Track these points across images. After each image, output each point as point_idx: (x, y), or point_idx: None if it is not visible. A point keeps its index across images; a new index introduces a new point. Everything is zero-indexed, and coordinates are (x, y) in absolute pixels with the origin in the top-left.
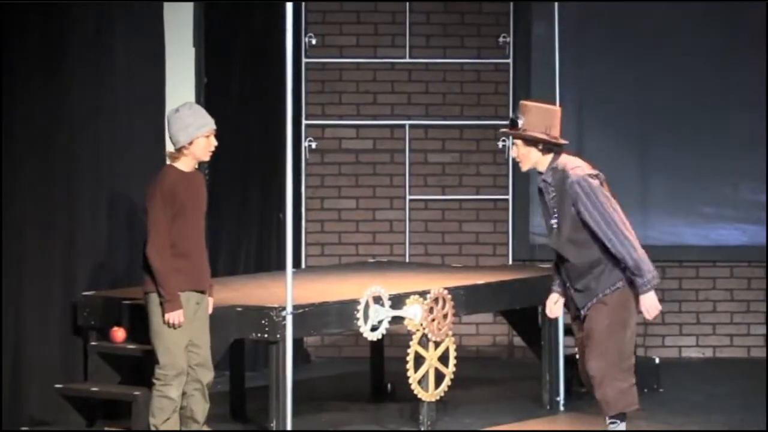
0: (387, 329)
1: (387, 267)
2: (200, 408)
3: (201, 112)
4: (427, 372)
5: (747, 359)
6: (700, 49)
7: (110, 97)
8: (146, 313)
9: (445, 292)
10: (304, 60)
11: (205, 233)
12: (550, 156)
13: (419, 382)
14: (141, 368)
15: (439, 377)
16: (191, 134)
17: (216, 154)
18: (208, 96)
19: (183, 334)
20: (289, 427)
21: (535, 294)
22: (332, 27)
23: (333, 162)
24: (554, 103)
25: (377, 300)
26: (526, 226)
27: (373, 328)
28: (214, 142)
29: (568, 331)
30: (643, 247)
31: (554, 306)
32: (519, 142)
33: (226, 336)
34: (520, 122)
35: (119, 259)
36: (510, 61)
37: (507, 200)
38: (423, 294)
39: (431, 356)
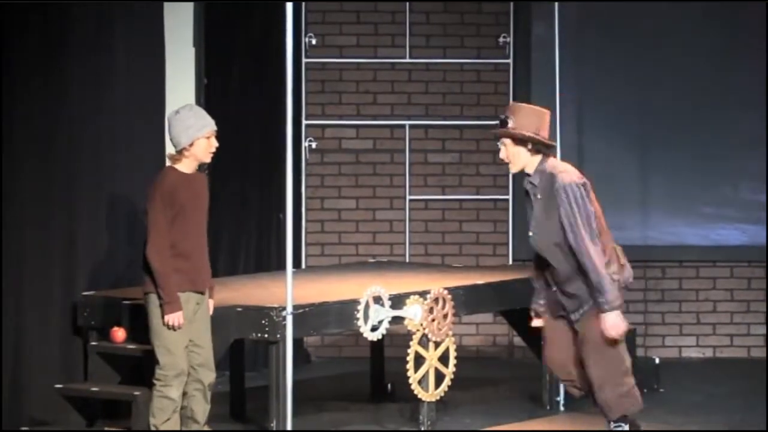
0: (387, 329)
1: (387, 267)
2: (201, 408)
3: (201, 113)
4: (427, 372)
5: (747, 359)
6: (701, 49)
7: (110, 97)
8: (146, 313)
9: (445, 292)
10: (304, 60)
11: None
12: (538, 158)
13: (419, 382)
14: (141, 368)
15: (439, 377)
16: (192, 136)
17: (216, 155)
18: (208, 96)
19: (183, 335)
20: (289, 427)
21: None
22: (332, 27)
23: (333, 162)
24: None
25: (377, 300)
26: (526, 226)
27: (373, 328)
28: (214, 144)
29: None
30: (644, 247)
31: (531, 319)
32: (508, 141)
33: (226, 336)
34: (510, 122)
35: (119, 259)
36: (510, 61)
37: (507, 200)
38: (423, 294)
39: (431, 356)
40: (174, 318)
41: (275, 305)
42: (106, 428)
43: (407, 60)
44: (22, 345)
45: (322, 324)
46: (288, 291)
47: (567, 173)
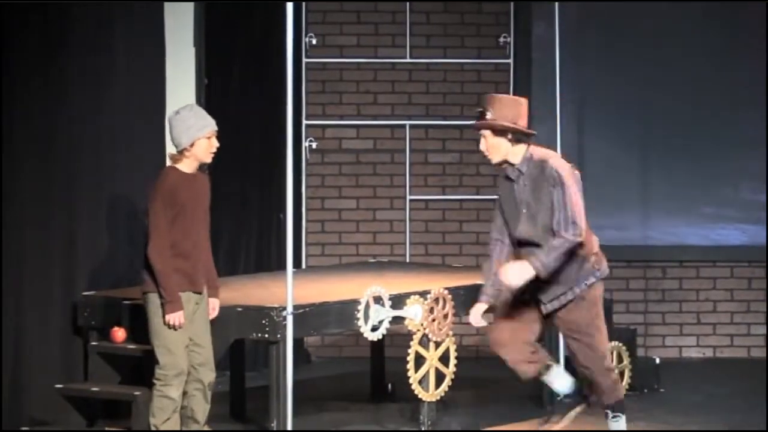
0: (387, 329)
1: (387, 267)
2: (201, 408)
3: (202, 113)
4: (427, 372)
5: (747, 359)
6: (701, 49)
7: (110, 97)
8: (145, 313)
9: (446, 292)
10: (304, 60)
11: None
12: (520, 147)
13: (420, 382)
14: (141, 368)
15: (440, 377)
16: (192, 136)
17: (216, 154)
18: (209, 96)
19: (183, 334)
20: (289, 427)
21: None
22: (333, 27)
23: (333, 162)
24: (551, 106)
25: (378, 300)
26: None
27: (374, 328)
28: (215, 144)
29: None
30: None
31: (481, 317)
32: (488, 133)
33: (226, 336)
34: (489, 114)
35: (120, 259)
36: (510, 61)
37: None
38: (423, 294)
39: (432, 356)
40: (175, 317)
41: (276, 305)
42: (106, 428)
43: (408, 60)
44: (23, 345)
45: (322, 324)
46: (288, 291)
47: (558, 158)
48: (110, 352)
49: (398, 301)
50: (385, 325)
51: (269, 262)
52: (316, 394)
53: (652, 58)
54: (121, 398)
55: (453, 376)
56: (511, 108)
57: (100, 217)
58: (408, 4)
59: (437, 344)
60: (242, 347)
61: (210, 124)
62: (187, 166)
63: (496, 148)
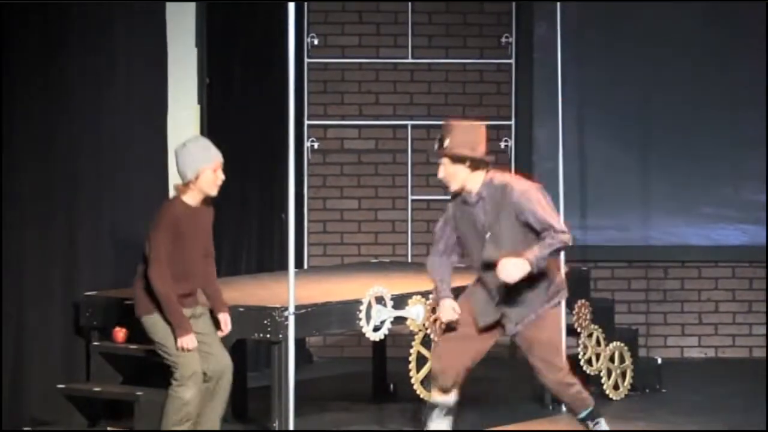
0: (389, 329)
1: (389, 267)
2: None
3: (208, 145)
4: (429, 372)
5: (749, 359)
6: (702, 49)
7: (112, 97)
8: (146, 335)
9: None
10: (306, 60)
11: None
12: (478, 173)
13: (421, 383)
14: (143, 368)
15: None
16: (197, 168)
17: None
18: (210, 96)
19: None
20: (291, 427)
21: None
22: (334, 27)
23: (335, 162)
24: (552, 105)
25: (379, 300)
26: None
27: (376, 329)
28: (221, 176)
29: (569, 332)
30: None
31: (448, 311)
32: (446, 161)
33: (228, 336)
34: (446, 142)
35: (121, 259)
36: (512, 61)
37: None
38: (425, 294)
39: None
40: (187, 341)
41: (277, 305)
42: (108, 428)
43: (409, 60)
44: (24, 345)
45: (324, 324)
46: (290, 291)
47: (519, 181)
48: (112, 352)
49: (400, 301)
50: (387, 325)
51: (271, 262)
52: (318, 394)
53: (654, 59)
54: (123, 398)
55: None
56: (468, 135)
57: (101, 217)
58: (410, 4)
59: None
60: (244, 347)
61: (215, 156)
62: (191, 198)
63: (453, 176)
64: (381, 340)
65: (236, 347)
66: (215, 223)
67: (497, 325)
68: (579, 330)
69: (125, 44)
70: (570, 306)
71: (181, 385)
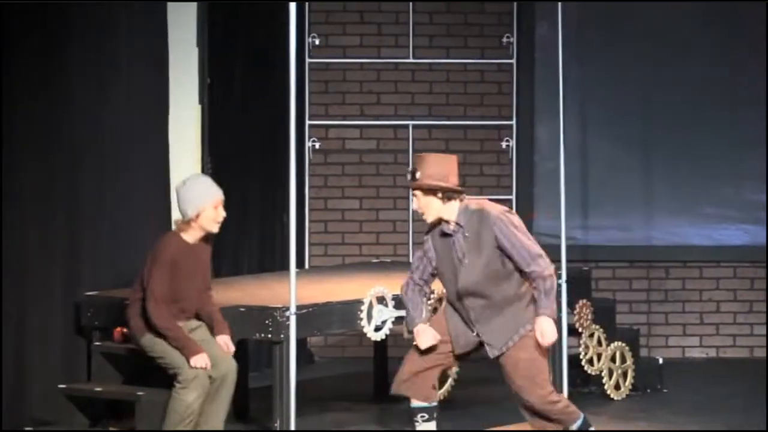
0: (390, 329)
1: (390, 267)
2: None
3: (208, 182)
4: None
5: (750, 359)
6: (704, 49)
7: (113, 97)
8: (146, 355)
9: None
10: (307, 60)
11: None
12: (453, 203)
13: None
14: (144, 368)
15: (443, 377)
16: (198, 206)
17: (219, 154)
18: (212, 96)
19: None
20: (292, 427)
21: None
22: (336, 27)
23: (336, 162)
24: (553, 105)
25: (381, 300)
26: (529, 227)
27: (377, 329)
28: (222, 213)
29: (571, 332)
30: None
31: (427, 337)
32: (419, 193)
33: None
34: (418, 174)
35: (122, 259)
36: (513, 61)
37: (511, 200)
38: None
39: None
40: (198, 359)
41: (279, 305)
42: (109, 428)
43: (411, 60)
44: (25, 345)
45: (325, 324)
46: (291, 291)
47: (494, 206)
48: (113, 353)
49: (401, 301)
50: (388, 325)
51: (272, 262)
52: (319, 394)
53: (655, 59)
54: (125, 398)
55: (456, 376)
56: (439, 167)
57: (102, 217)
58: (411, 4)
59: None
60: (245, 347)
61: (216, 194)
62: (191, 235)
63: (427, 207)
64: (382, 340)
65: (238, 347)
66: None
67: (473, 351)
68: (580, 330)
69: (126, 44)
70: (571, 306)
71: (185, 387)
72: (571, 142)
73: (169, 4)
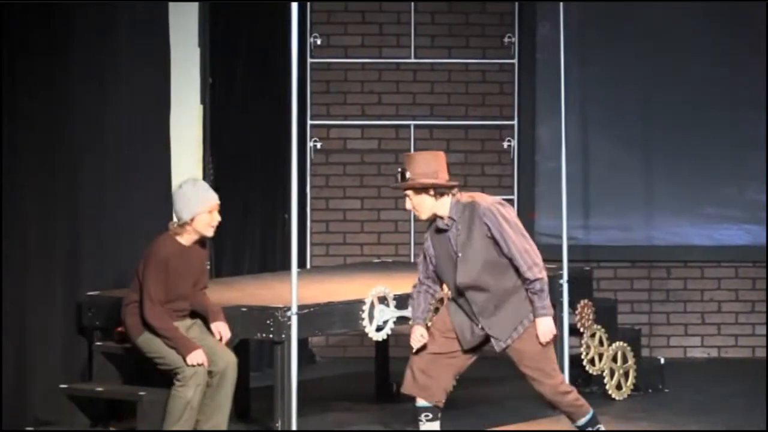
0: (392, 329)
1: (392, 267)
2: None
3: (203, 187)
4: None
5: (751, 359)
6: (705, 50)
7: (114, 97)
8: (145, 355)
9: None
10: (309, 60)
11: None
12: (444, 199)
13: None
14: (145, 368)
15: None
16: (193, 210)
17: (221, 154)
18: (213, 96)
19: None
20: (293, 427)
21: None
22: (337, 27)
23: (338, 162)
24: (555, 105)
25: (382, 300)
26: (531, 227)
27: (378, 329)
28: (217, 217)
29: (572, 332)
30: (648, 247)
31: (415, 336)
32: (410, 192)
33: (231, 336)
34: (408, 174)
35: (123, 260)
36: (515, 61)
37: (512, 200)
38: None
39: None
40: (195, 357)
41: (280, 305)
42: (111, 428)
43: (412, 60)
44: (26, 345)
45: (327, 324)
46: (293, 291)
47: (485, 198)
48: (114, 352)
49: (403, 301)
50: (390, 325)
51: (274, 262)
52: (321, 394)
53: (656, 59)
54: (126, 398)
55: (457, 377)
56: (427, 164)
57: (103, 217)
58: (413, 4)
59: None
60: (247, 347)
61: (211, 199)
62: (186, 239)
63: (421, 206)
64: (384, 340)
65: (239, 347)
66: (217, 224)
67: (481, 345)
68: (582, 330)
69: (128, 44)
70: (573, 306)
71: (184, 385)
72: (572, 142)
73: (171, 5)
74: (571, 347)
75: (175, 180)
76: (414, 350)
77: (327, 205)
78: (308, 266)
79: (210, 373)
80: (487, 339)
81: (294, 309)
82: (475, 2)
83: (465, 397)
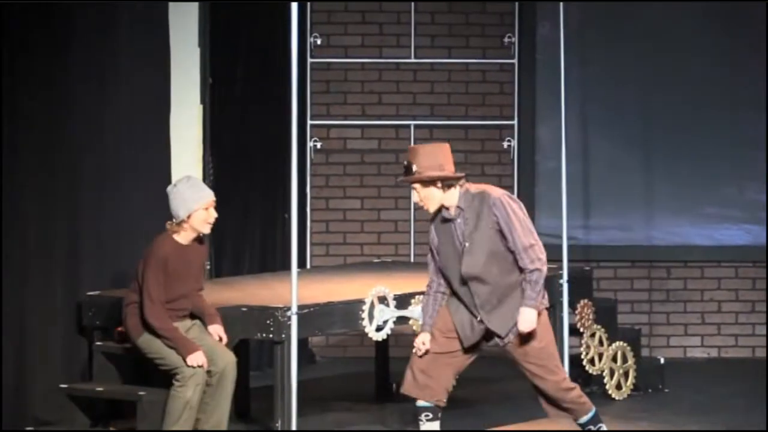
0: (392, 329)
1: (392, 267)
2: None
3: (199, 185)
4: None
5: (752, 359)
6: (705, 50)
7: (115, 97)
8: (144, 355)
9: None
10: (309, 60)
11: (209, 234)
12: (453, 190)
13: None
14: (146, 368)
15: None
16: (189, 208)
17: (221, 154)
18: (213, 96)
19: None
20: (293, 427)
21: None
22: (337, 27)
23: (338, 162)
24: (555, 105)
25: (382, 300)
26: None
27: (378, 329)
28: (213, 214)
29: (572, 331)
30: (648, 247)
31: (422, 344)
32: (418, 185)
33: (231, 336)
34: (414, 167)
35: (123, 259)
36: (515, 61)
37: None
38: None
39: None
40: (195, 358)
41: (280, 305)
42: (111, 428)
43: (412, 60)
44: (26, 345)
45: (326, 324)
46: (293, 291)
47: (495, 189)
48: (114, 352)
49: (403, 301)
50: (390, 325)
51: (274, 262)
52: (321, 394)
53: (656, 59)
54: (126, 398)
55: (457, 376)
56: (433, 156)
57: (103, 217)
58: (413, 4)
59: None
60: (247, 347)
61: (206, 196)
62: (183, 237)
63: (429, 199)
64: (384, 340)
65: (239, 347)
66: (217, 224)
67: (482, 341)
68: (582, 330)
69: (128, 44)
70: (573, 306)
71: (183, 385)
72: (572, 142)
73: (171, 5)
74: (571, 347)
75: (175, 179)
76: (415, 350)
77: (327, 205)
78: (308, 266)
79: (210, 372)
80: (487, 336)
81: (294, 309)
82: (475, 2)
83: (465, 397)
